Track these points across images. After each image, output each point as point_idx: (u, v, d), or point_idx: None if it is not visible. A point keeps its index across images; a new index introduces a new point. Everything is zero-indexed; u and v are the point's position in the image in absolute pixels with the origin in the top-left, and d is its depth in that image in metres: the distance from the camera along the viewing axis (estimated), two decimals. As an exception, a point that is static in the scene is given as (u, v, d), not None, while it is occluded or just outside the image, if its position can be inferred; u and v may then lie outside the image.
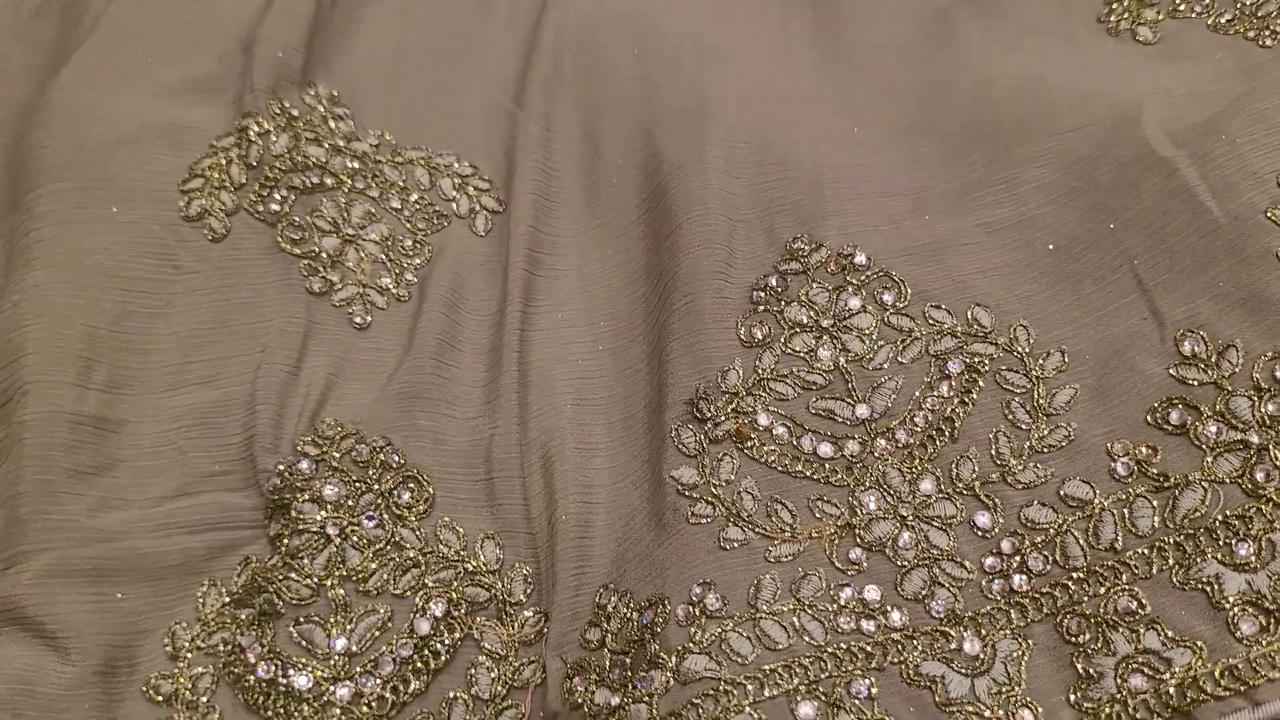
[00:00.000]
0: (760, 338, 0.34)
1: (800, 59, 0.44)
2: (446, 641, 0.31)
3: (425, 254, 0.38)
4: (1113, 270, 0.34)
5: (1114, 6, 0.43)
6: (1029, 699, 0.27)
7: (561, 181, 0.39)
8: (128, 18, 0.41)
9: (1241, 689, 0.26)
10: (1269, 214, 0.32)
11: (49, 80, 0.39)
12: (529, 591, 0.32)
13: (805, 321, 0.34)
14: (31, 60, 0.43)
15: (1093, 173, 0.36)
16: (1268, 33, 0.39)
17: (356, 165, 0.39)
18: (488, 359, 0.36)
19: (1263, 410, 0.29)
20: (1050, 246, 0.35)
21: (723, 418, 0.33)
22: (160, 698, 0.31)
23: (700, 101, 0.40)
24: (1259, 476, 0.28)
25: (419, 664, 0.31)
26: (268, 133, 0.38)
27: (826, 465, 0.32)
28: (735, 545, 0.30)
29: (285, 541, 0.32)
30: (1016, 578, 0.29)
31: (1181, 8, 0.42)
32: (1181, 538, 0.28)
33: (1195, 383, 0.31)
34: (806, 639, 0.29)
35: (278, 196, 0.37)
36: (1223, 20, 0.41)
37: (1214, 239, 0.32)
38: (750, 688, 0.28)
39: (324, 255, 0.37)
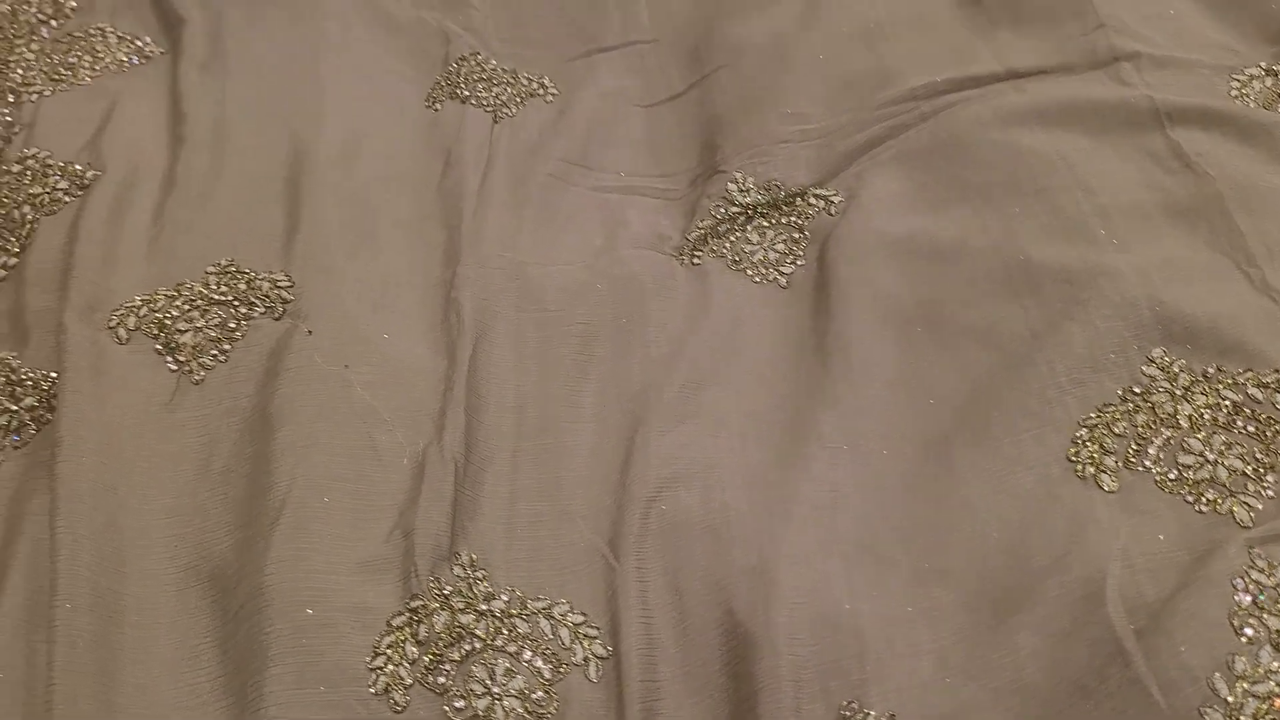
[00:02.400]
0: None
1: (842, 498, 0.55)
2: None
3: (554, 705, 0.48)
4: (1092, 751, 0.44)
5: (1079, 449, 0.54)
6: None
7: (658, 632, 0.50)
8: (307, 499, 0.53)
9: None
10: (1200, 710, 0.43)
11: (258, 560, 0.50)
12: None
13: (860, 785, 0.45)
14: (225, 515, 0.54)
15: (1072, 649, 0.47)
16: (1202, 500, 0.51)
17: (496, 624, 0.50)
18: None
19: None
20: None
21: None
22: None
23: (763, 562, 0.51)
24: None
25: None
26: (432, 611, 0.49)
27: None
28: None
29: None
30: None
31: (1133, 460, 0.53)
32: None
33: None
34: None
35: (444, 669, 0.48)
36: (1169, 479, 0.52)
37: (1163, 729, 0.43)
38: None
39: (479, 718, 0.47)
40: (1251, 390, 0.53)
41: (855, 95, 0.74)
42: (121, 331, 0.62)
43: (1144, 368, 0.56)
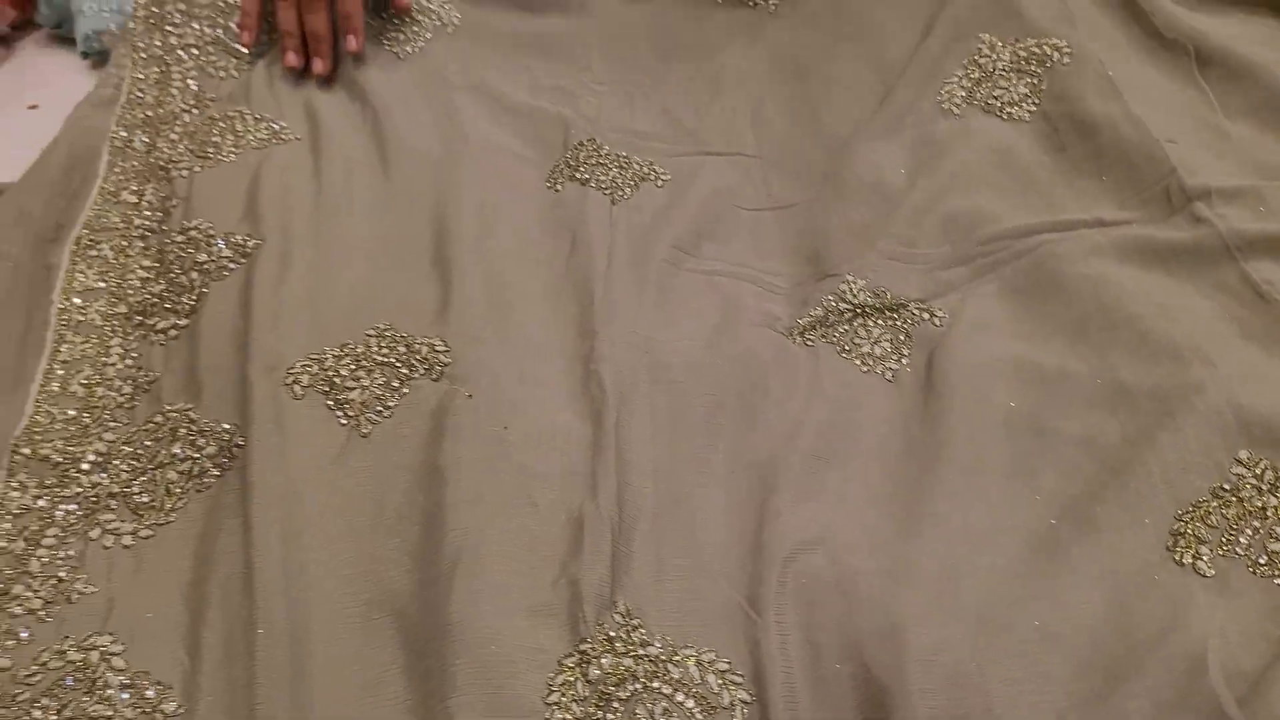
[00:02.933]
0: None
1: (960, 575, 0.59)
2: None
3: (706, 745, 0.53)
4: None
5: (1176, 540, 0.60)
6: None
7: (797, 681, 0.55)
8: (480, 547, 0.59)
9: None
10: (1303, 772, 0.48)
11: (440, 601, 0.56)
12: None
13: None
14: (402, 559, 0.60)
15: (1180, 716, 0.52)
16: (1287, 576, 0.57)
17: (652, 668, 0.55)
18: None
19: None
20: None
21: None
22: None
23: (891, 623, 0.56)
24: None
25: None
26: (600, 654, 0.55)
27: None
28: None
29: None
30: None
31: (1226, 548, 0.59)
32: None
33: None
34: None
35: (613, 707, 0.53)
36: (1260, 564, 0.58)
37: (1268, 789, 0.48)
38: None
39: (645, 754, 0.52)
40: (1331, 483, 0.59)
41: (955, 232, 0.81)
42: (298, 388, 0.68)
43: (1232, 468, 0.62)
